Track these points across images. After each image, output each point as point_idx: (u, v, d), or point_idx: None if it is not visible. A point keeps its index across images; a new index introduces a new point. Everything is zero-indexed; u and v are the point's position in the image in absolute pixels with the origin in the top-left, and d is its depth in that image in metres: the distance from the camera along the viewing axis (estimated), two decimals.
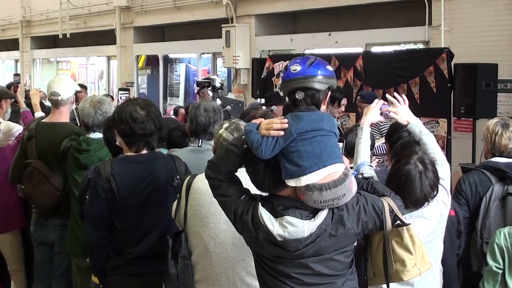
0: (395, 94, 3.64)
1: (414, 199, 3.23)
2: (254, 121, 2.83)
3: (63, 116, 5.01)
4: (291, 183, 2.68)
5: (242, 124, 3.39)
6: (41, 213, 4.94)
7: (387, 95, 3.75)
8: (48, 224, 4.93)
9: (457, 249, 3.96)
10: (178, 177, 3.69)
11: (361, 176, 3.08)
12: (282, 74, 2.95)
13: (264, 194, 2.83)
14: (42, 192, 4.82)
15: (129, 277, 3.68)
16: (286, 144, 2.68)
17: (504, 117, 4.46)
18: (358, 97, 7.54)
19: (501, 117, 4.44)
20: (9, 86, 11.29)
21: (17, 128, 5.56)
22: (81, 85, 10.20)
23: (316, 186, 2.65)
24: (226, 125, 3.40)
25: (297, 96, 2.85)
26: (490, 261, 3.61)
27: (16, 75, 17.41)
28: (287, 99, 2.98)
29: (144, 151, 3.74)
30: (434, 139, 3.51)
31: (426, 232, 3.26)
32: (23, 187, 5.03)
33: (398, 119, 3.55)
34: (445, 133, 7.26)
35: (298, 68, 2.85)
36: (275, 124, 2.70)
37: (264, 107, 6.87)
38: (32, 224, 5.05)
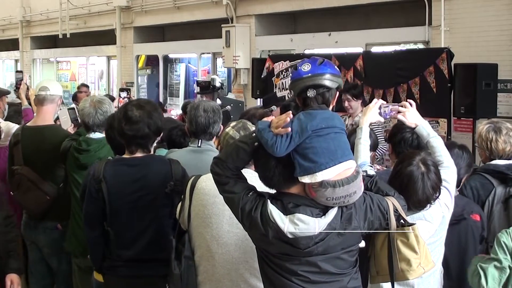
0: (404, 102, 3.56)
1: (416, 201, 3.22)
2: (265, 119, 2.86)
3: (48, 116, 4.98)
4: (305, 179, 2.69)
5: (249, 123, 3.42)
6: (32, 216, 4.93)
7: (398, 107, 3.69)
8: (38, 227, 4.91)
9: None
10: (172, 183, 3.61)
11: (365, 174, 3.08)
12: (291, 75, 2.99)
13: (271, 191, 2.84)
14: (32, 198, 4.81)
15: (121, 279, 3.69)
16: (301, 141, 2.70)
17: (492, 119, 4.40)
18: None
19: (489, 120, 4.38)
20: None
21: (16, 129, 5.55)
22: (83, 84, 10.09)
23: (329, 183, 2.67)
24: (233, 123, 3.46)
25: (308, 94, 2.87)
26: (501, 257, 3.28)
27: (19, 72, 17.19)
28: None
29: (139, 154, 3.69)
30: (442, 142, 3.48)
31: (427, 234, 3.24)
32: (11, 193, 4.95)
33: (406, 122, 3.49)
34: (445, 133, 7.25)
35: (308, 67, 2.89)
36: (281, 122, 2.73)
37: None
38: (22, 225, 5.02)
